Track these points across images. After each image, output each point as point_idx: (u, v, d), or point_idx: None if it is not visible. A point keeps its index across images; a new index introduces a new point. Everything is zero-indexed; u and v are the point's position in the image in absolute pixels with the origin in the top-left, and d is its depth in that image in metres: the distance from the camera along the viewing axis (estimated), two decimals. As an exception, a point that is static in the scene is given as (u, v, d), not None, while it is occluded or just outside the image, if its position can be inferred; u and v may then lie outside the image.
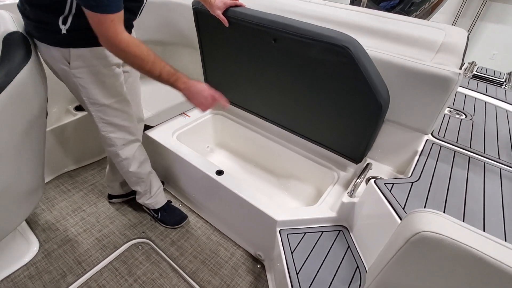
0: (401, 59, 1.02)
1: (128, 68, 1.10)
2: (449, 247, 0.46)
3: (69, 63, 0.89)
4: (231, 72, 1.40)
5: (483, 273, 0.44)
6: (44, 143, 1.07)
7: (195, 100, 0.93)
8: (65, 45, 0.86)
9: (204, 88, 0.93)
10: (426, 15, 2.08)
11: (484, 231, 0.82)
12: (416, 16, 1.91)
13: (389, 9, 1.90)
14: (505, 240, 0.81)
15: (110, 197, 1.48)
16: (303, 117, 1.26)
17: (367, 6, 1.89)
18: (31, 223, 1.35)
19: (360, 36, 1.22)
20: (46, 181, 1.55)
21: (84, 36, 0.85)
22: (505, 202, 0.92)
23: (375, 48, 1.09)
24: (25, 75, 0.86)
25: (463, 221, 0.85)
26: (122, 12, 0.77)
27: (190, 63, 1.80)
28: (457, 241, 0.45)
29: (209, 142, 1.75)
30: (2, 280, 1.13)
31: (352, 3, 2.06)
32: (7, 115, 0.83)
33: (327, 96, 1.11)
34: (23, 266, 1.19)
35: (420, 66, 0.99)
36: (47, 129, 1.45)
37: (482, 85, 1.73)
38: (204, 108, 0.95)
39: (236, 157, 1.71)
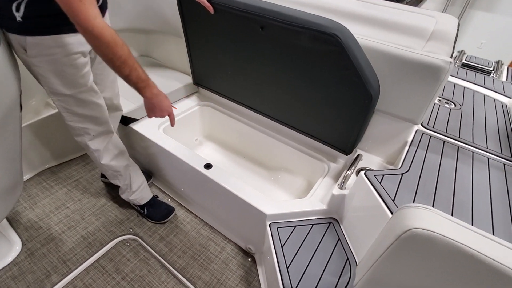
0: (392, 47, 0.99)
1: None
2: (441, 244, 0.44)
3: (26, 51, 0.83)
4: (218, 61, 1.34)
5: (474, 269, 0.43)
6: (20, 139, 1.01)
7: (151, 112, 0.93)
8: (21, 33, 0.80)
9: (167, 106, 0.93)
10: (417, 2, 2.05)
11: (472, 221, 0.82)
12: (407, 3, 1.88)
13: (380, -4, 1.86)
14: (493, 229, 0.81)
15: (102, 175, 1.49)
16: (292, 108, 1.23)
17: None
18: (13, 221, 1.30)
19: (351, 24, 1.19)
20: (26, 178, 1.48)
21: (41, 24, 0.79)
22: (492, 191, 0.93)
23: (365, 36, 1.06)
24: None
25: (452, 212, 0.85)
26: None
27: (175, 52, 1.73)
28: (448, 238, 0.44)
29: (198, 135, 1.71)
30: None
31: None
32: None
33: (316, 86, 1.08)
34: (5, 266, 1.15)
35: (410, 55, 0.96)
36: (26, 124, 1.38)
37: (471, 74, 1.73)
38: (152, 116, 0.96)
39: (225, 149, 1.68)
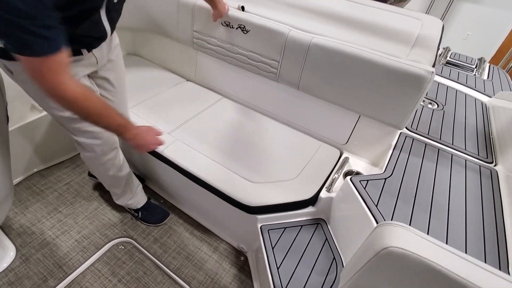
0: (377, 56, 1.02)
1: (106, 74, 1.03)
2: (414, 261, 0.49)
3: (13, 74, 0.80)
4: None
5: (442, 285, 0.48)
6: (8, 150, 1.01)
7: (137, 150, 0.91)
8: (4, 57, 0.76)
9: (149, 142, 0.91)
10: (405, -3, 2.07)
11: (447, 223, 0.89)
12: (395, 1, 1.90)
13: (369, -8, 1.86)
14: (466, 230, 0.88)
15: (90, 174, 1.48)
16: None
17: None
18: (5, 227, 1.30)
19: (337, 28, 1.20)
20: (15, 182, 1.47)
21: None
22: (468, 193, 0.99)
23: (350, 42, 1.08)
24: None
25: (430, 214, 0.91)
26: (63, 55, 0.63)
27: (163, 50, 1.71)
28: (419, 256, 0.49)
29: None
30: None
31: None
32: None
33: None
34: (1, 272, 1.16)
35: (395, 64, 0.99)
36: (12, 128, 1.35)
37: (455, 71, 1.78)
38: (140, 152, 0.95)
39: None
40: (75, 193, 1.48)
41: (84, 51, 0.86)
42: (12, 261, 1.20)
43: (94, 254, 1.25)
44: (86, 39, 0.82)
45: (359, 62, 1.05)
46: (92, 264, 1.22)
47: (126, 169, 1.22)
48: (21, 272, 1.17)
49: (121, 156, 1.18)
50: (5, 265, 1.19)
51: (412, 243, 0.50)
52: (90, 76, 0.99)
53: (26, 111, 1.54)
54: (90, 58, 0.90)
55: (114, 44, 1.02)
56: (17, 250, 1.23)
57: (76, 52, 0.84)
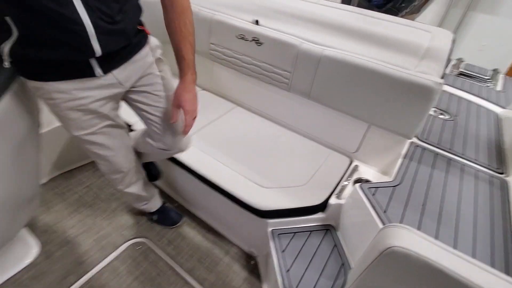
0: (386, 68, 1.05)
1: (146, 88, 0.95)
2: (416, 261, 0.52)
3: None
4: None
5: (443, 285, 0.51)
6: (38, 154, 1.09)
7: None
8: (21, 74, 0.77)
9: None
10: (417, 10, 2.10)
11: (456, 232, 0.90)
12: (406, 14, 1.93)
13: (381, 6, 1.91)
14: (474, 242, 0.88)
15: None
16: None
17: (359, 3, 1.90)
18: (29, 225, 1.39)
19: (348, 40, 1.25)
20: (40, 183, 1.57)
21: (32, 69, 0.73)
22: (477, 203, 1.00)
23: (361, 55, 1.13)
24: (11, 94, 0.82)
25: (438, 223, 0.92)
26: None
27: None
28: (422, 256, 0.51)
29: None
30: (6, 281, 1.18)
31: (343, 1, 2.06)
32: None
33: None
34: (25, 267, 1.24)
35: (404, 75, 1.03)
36: (41, 132, 1.45)
37: (468, 83, 1.79)
38: None
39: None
40: (94, 195, 1.56)
41: (97, 70, 0.78)
42: (36, 257, 1.27)
43: (112, 253, 1.31)
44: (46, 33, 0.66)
45: (369, 74, 1.09)
46: (110, 263, 1.28)
47: (137, 186, 1.19)
48: (44, 268, 1.24)
49: (134, 176, 1.14)
50: (29, 260, 1.26)
51: (415, 243, 0.53)
52: (127, 95, 0.94)
53: (53, 117, 1.65)
54: (108, 79, 0.82)
55: (148, 60, 0.92)
56: (41, 247, 1.31)
57: (84, 71, 0.77)
